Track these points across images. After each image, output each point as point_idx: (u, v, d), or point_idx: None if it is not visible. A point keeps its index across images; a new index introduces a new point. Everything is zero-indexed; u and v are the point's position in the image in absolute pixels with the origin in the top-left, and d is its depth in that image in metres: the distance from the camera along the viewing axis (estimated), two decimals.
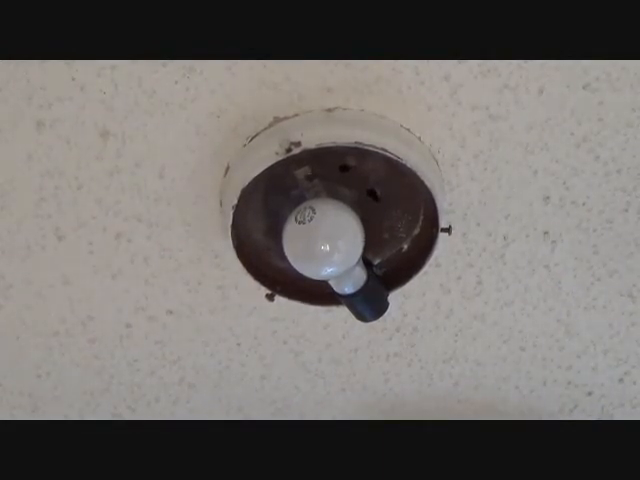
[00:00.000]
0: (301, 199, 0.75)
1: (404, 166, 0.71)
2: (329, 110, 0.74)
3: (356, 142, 0.70)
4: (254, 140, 0.76)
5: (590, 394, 1.06)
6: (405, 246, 0.80)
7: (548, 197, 0.82)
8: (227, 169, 0.78)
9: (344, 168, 0.74)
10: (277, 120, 0.75)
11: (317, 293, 0.81)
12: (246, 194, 0.72)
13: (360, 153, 0.72)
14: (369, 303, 0.79)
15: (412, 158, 0.72)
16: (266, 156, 0.71)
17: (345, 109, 0.74)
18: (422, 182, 0.72)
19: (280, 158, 0.70)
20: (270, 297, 0.81)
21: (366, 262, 0.78)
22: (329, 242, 0.72)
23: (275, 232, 0.77)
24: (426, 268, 0.79)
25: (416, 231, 0.79)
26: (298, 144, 0.70)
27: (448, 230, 0.78)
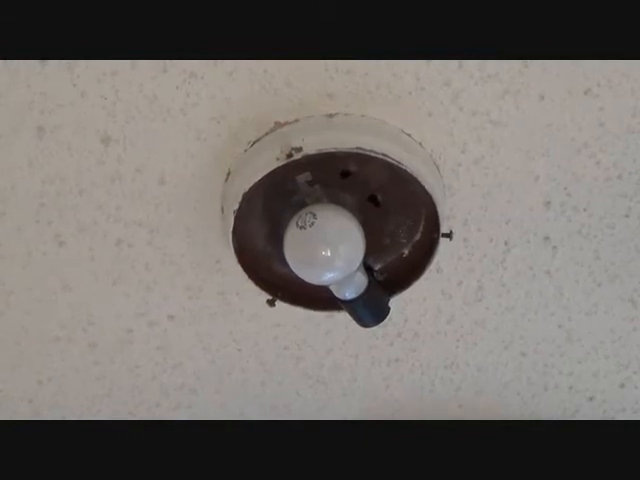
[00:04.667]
0: (302, 204, 0.75)
1: (405, 172, 0.71)
2: (330, 115, 0.74)
3: (357, 147, 0.70)
4: (255, 145, 0.76)
5: (591, 399, 1.05)
6: (406, 251, 0.80)
7: (549, 202, 0.82)
8: (228, 174, 0.78)
9: (345, 173, 0.74)
10: (278, 125, 0.75)
11: (318, 298, 0.81)
12: (247, 199, 0.72)
13: (361, 158, 0.72)
14: (370, 308, 0.78)
15: (413, 164, 0.72)
16: (267, 161, 0.71)
17: (346, 114, 0.74)
18: (423, 188, 0.72)
19: (281, 163, 0.70)
20: (271, 302, 0.81)
21: (367, 267, 0.78)
22: (330, 247, 0.72)
23: (276, 237, 0.77)
24: (427, 273, 0.79)
25: (417, 236, 0.79)
26: (299, 149, 0.70)
27: (449, 235, 0.78)
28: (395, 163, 0.71)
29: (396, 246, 0.80)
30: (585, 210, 0.83)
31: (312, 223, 0.72)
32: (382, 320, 0.80)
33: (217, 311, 0.92)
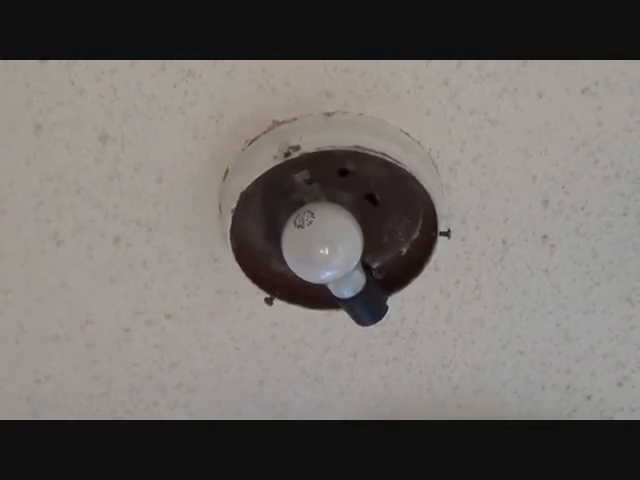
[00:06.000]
0: (300, 203, 0.75)
1: (403, 170, 0.71)
2: (328, 114, 0.74)
3: (355, 146, 0.70)
4: (253, 144, 0.76)
5: (589, 398, 1.05)
6: (404, 250, 0.80)
7: (547, 201, 0.82)
8: (226, 173, 0.78)
9: (343, 172, 0.74)
10: (276, 124, 0.75)
11: (316, 297, 0.81)
12: (245, 198, 0.72)
13: (359, 157, 0.72)
14: (368, 307, 0.79)
15: (411, 162, 0.72)
16: (265, 160, 0.71)
17: (344, 113, 0.74)
18: (421, 186, 0.72)
19: (279, 162, 0.70)
20: (269, 301, 0.81)
21: (365, 266, 0.78)
22: (328, 246, 0.72)
23: (274, 236, 0.77)
24: (425, 272, 0.79)
25: (415, 235, 0.79)
26: (297, 148, 0.70)
27: (447, 234, 0.78)
28: (393, 162, 0.71)
29: (394, 245, 0.80)
30: (583, 209, 0.83)
31: (310, 222, 0.72)
32: (380, 319, 0.80)
33: (215, 310, 0.92)
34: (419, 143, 0.77)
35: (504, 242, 0.86)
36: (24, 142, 0.76)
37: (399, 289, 0.81)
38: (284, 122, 0.75)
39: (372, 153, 0.70)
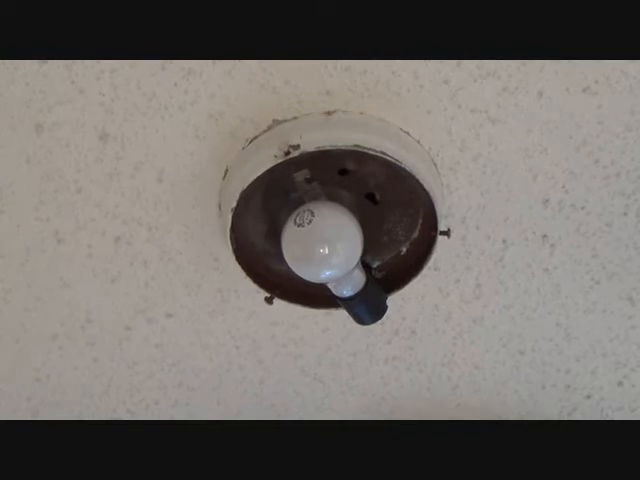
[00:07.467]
0: (300, 202, 0.75)
1: (403, 169, 0.71)
2: (328, 113, 0.74)
3: (355, 145, 0.70)
4: (253, 143, 0.76)
5: (589, 397, 1.05)
6: (404, 249, 0.80)
7: (547, 200, 0.82)
8: (226, 172, 0.78)
9: (343, 171, 0.74)
10: (276, 123, 0.75)
11: (316, 296, 0.81)
12: (245, 197, 0.72)
13: (359, 156, 0.72)
14: (368, 306, 0.79)
15: (411, 161, 0.72)
16: (265, 159, 0.71)
17: (344, 112, 0.74)
18: (421, 185, 0.72)
19: (279, 161, 0.70)
20: (269, 300, 0.81)
21: (365, 265, 0.78)
22: (328, 245, 0.72)
23: (274, 235, 0.77)
24: (425, 271, 0.79)
25: (415, 234, 0.79)
26: (297, 147, 0.70)
27: (447, 233, 0.78)
28: (393, 161, 0.71)
29: (394, 244, 0.80)
30: (583, 208, 0.83)
31: (310, 221, 0.72)
32: (380, 318, 0.80)
33: (215, 309, 0.92)
34: (419, 142, 0.77)
35: (504, 241, 0.86)
36: (24, 141, 0.76)
37: (399, 288, 0.81)
38: (284, 121, 0.75)
39: (372, 152, 0.70)
